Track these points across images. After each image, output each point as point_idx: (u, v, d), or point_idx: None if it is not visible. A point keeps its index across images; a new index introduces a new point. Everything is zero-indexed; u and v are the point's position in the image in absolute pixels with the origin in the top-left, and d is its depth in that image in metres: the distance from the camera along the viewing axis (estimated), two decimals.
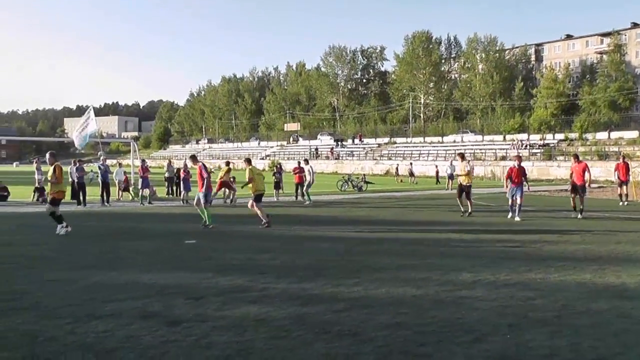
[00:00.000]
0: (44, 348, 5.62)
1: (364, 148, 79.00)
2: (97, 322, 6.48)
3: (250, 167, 16.53)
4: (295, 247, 12.33)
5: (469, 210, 18.47)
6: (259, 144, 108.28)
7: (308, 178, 25.69)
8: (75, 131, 25.59)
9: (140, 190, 24.71)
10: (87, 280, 8.71)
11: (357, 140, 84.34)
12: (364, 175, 41.39)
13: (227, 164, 26.01)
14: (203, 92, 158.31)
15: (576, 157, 18.99)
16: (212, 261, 10.40)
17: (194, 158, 16.50)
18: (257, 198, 16.02)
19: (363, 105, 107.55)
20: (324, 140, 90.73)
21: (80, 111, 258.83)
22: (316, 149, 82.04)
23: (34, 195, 26.16)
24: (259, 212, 15.76)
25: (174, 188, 29.82)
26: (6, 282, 8.64)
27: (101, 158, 25.94)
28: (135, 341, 5.81)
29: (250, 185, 16.18)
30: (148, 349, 5.59)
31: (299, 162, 28.42)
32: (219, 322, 6.49)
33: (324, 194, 31.48)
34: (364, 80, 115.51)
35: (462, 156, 18.86)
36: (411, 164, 53.10)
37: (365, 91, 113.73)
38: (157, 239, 13.57)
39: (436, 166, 49.05)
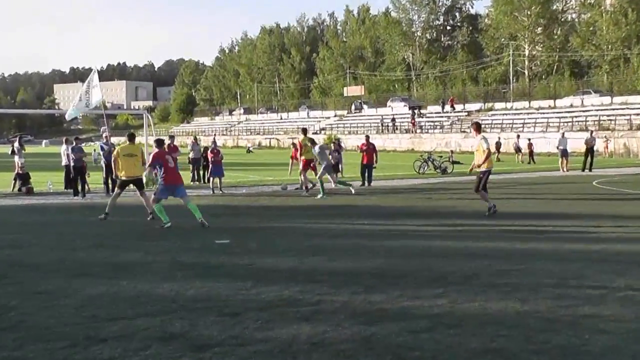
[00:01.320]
0: None
1: (449, 117, 78.15)
2: (101, 346, 6.51)
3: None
4: (359, 246, 12.25)
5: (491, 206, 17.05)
6: (307, 114, 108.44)
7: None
8: (75, 102, 26.00)
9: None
10: (88, 292, 8.80)
11: (447, 107, 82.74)
12: (452, 153, 40.89)
13: (305, 131, 25.84)
14: (237, 48, 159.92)
15: None
16: (251, 266, 10.39)
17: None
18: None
19: (447, 61, 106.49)
20: (396, 108, 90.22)
21: (74, 75, 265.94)
22: (393, 120, 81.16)
23: (14, 184, 26.75)
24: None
25: (201, 173, 30.13)
26: None
27: (104, 135, 26.36)
28: None
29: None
30: None
31: (367, 137, 28.34)
32: (261, 346, 6.44)
33: (397, 178, 31.34)
34: (448, 28, 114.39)
35: (478, 127, 17.67)
36: (518, 136, 52.32)
37: (449, 42, 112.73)
38: (179, 238, 13.70)
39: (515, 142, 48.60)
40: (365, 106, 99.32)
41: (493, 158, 20.34)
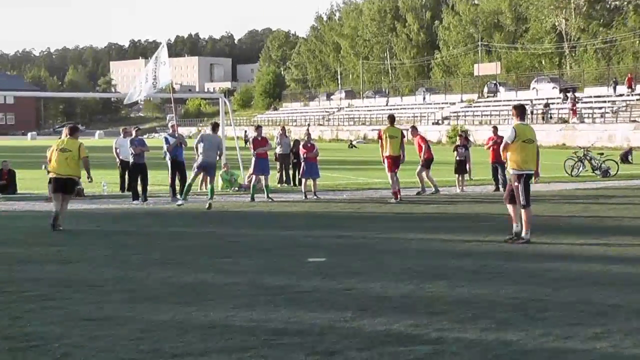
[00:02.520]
0: None
1: (613, 103, 76.39)
2: None
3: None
4: (491, 269, 12.19)
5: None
6: (424, 98, 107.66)
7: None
8: (139, 83, 26.54)
9: (251, 177, 25.27)
10: (148, 320, 9.01)
11: (625, 89, 80.00)
12: (630, 149, 39.63)
13: (392, 119, 25.87)
14: (338, 15, 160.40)
15: None
16: (351, 292, 10.42)
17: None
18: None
19: (613, 28, 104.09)
20: (542, 91, 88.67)
21: (135, 50, 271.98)
22: (546, 105, 79.44)
23: None
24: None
25: (290, 172, 30.34)
26: (15, 321, 9.08)
27: (170, 124, 26.85)
28: None
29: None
30: None
31: (495, 129, 27.97)
32: None
33: (541, 182, 30.79)
34: None
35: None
36: None
37: (617, 2, 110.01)
38: (263, 254, 13.88)
39: None
40: (501, 88, 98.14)
41: None
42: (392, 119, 24.94)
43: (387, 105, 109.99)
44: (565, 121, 74.69)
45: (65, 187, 18.09)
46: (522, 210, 14.88)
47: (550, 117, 77.04)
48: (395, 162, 23.67)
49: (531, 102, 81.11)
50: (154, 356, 7.56)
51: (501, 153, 16.25)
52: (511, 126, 15.50)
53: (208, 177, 22.74)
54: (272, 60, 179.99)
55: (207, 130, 23.75)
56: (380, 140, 24.22)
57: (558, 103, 79.26)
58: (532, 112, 78.72)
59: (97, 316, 9.20)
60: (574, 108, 74.78)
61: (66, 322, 8.94)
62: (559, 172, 34.86)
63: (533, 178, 15.76)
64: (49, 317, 9.20)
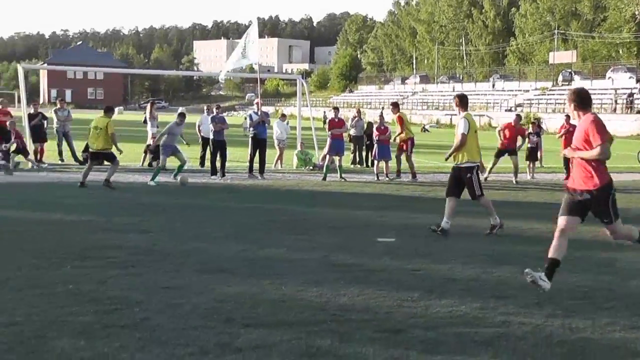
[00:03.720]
0: None
1: None
2: (235, 356, 6.76)
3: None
4: (563, 257, 12.01)
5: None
6: (493, 85, 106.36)
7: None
8: (231, 59, 26.73)
9: (326, 157, 25.34)
10: (222, 291, 9.15)
11: None
12: None
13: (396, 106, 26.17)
14: (415, 0, 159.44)
15: None
16: (418, 274, 10.45)
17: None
18: None
19: None
20: (618, 81, 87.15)
21: (218, 30, 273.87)
22: (630, 95, 77.70)
23: (144, 157, 27.98)
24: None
25: (364, 154, 30.36)
26: (100, 286, 9.33)
27: (255, 102, 26.98)
28: None
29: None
30: None
31: (568, 117, 27.60)
32: None
33: (614, 171, 30.32)
34: None
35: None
36: None
37: None
38: (334, 233, 13.97)
39: None
40: (576, 77, 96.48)
41: None
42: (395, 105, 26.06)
43: (464, 90, 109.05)
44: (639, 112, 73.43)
45: (98, 158, 21.03)
46: (481, 200, 14.61)
47: (631, 108, 75.53)
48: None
49: (615, 91, 79.66)
50: (227, 326, 7.67)
51: (460, 146, 14.76)
52: (461, 117, 14.86)
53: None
54: (349, 44, 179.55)
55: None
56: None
57: (635, 93, 77.81)
58: (615, 102, 77.30)
59: (174, 285, 9.38)
60: (630, 100, 73.64)
61: (146, 288, 9.16)
62: (632, 162, 34.38)
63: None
64: (131, 283, 9.44)
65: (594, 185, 9.23)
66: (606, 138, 9.25)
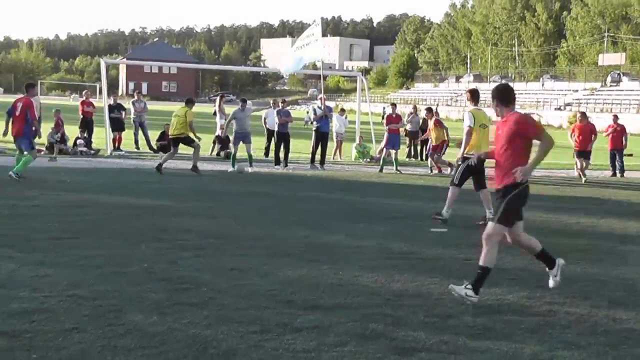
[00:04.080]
0: None
1: None
2: (294, 336, 6.81)
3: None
4: (603, 250, 11.98)
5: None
6: (542, 85, 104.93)
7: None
8: (291, 51, 26.80)
9: (383, 150, 25.30)
10: (284, 274, 9.21)
11: None
12: None
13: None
14: (471, 3, 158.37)
15: None
16: (469, 263, 10.38)
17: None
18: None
19: None
20: None
21: (284, 29, 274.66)
22: None
23: (213, 147, 28.25)
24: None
25: (419, 148, 30.31)
26: (171, 266, 9.44)
27: (319, 97, 27.09)
28: None
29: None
30: None
31: (615, 117, 27.35)
32: (476, 357, 6.48)
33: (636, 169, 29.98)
34: None
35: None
36: None
37: None
38: (389, 222, 13.93)
39: None
40: (625, 78, 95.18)
41: None
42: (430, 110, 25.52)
43: (517, 89, 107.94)
44: None
45: (176, 142, 21.41)
46: (450, 187, 14.32)
47: None
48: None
49: None
50: (288, 306, 7.73)
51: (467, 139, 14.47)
52: (467, 111, 14.92)
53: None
54: (407, 43, 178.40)
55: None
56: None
57: None
58: None
59: (240, 267, 9.46)
60: None
61: (214, 270, 9.26)
62: None
63: None
64: (200, 264, 9.55)
65: (504, 182, 8.48)
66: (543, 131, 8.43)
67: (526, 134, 8.31)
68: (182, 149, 21.60)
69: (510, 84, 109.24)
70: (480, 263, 8.21)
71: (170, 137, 22.07)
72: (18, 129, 18.17)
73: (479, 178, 14.42)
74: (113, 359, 6.02)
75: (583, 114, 25.53)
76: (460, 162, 14.37)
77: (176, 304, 7.63)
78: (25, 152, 18.09)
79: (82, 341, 6.39)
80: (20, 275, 8.57)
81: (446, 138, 23.93)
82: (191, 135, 21.49)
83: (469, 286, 8.05)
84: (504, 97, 8.67)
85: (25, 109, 18.06)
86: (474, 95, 14.89)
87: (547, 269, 8.54)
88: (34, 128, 18.25)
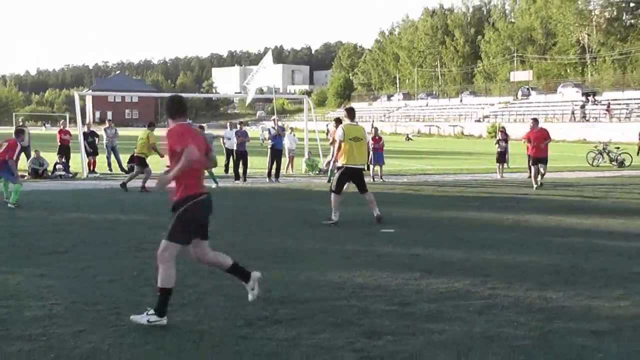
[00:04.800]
0: (211, 354, 6.17)
1: (627, 105, 74.94)
2: (275, 327, 6.94)
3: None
4: (532, 241, 12.23)
5: None
6: (461, 100, 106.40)
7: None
8: (249, 81, 26.99)
9: (330, 163, 25.40)
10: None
11: (638, 93, 77.70)
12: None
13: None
14: (397, 31, 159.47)
15: None
16: (417, 257, 10.59)
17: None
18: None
19: (628, 42, 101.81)
20: (567, 94, 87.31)
21: (232, 59, 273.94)
22: (582, 107, 77.80)
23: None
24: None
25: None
26: (156, 272, 9.29)
27: (272, 118, 27.27)
28: (325, 354, 6.15)
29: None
30: None
31: (535, 121, 27.79)
32: (434, 337, 6.65)
33: (566, 170, 30.59)
34: (632, 5, 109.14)
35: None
36: None
37: (632, 20, 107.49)
38: (344, 226, 14.03)
39: None
40: (533, 92, 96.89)
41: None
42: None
43: (440, 105, 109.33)
44: (586, 120, 73.62)
45: (140, 161, 21.61)
46: (332, 194, 14.36)
47: (585, 117, 75.62)
48: None
49: (591, 99, 79.75)
50: (266, 303, 7.78)
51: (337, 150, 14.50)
52: (340, 127, 14.87)
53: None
54: (343, 67, 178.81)
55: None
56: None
57: (580, 104, 78.07)
58: (572, 112, 77.34)
59: (219, 270, 9.47)
60: (608, 109, 73.51)
61: (196, 274, 9.21)
62: (582, 162, 34.58)
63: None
64: (182, 270, 9.17)
65: (174, 198, 7.33)
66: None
67: (171, 148, 7.33)
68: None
69: (435, 100, 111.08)
70: (159, 284, 7.09)
71: (135, 156, 22.31)
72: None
73: (357, 184, 14.54)
74: (121, 354, 6.10)
75: (535, 120, 23.86)
76: (337, 171, 14.51)
77: (169, 305, 7.67)
78: (10, 183, 17.96)
79: (91, 341, 6.46)
80: (27, 287, 8.57)
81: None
82: (150, 155, 21.97)
83: (152, 312, 6.94)
84: (168, 109, 7.96)
85: (9, 149, 18.04)
86: (350, 113, 14.96)
87: (243, 282, 7.64)
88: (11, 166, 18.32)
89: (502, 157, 27.13)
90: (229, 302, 7.91)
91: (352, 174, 14.40)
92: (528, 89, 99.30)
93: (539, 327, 6.99)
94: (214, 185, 21.54)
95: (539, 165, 22.08)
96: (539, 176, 22.13)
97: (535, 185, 21.73)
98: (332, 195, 14.35)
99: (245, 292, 7.86)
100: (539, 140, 22.22)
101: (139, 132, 24.39)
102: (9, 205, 17.19)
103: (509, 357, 6.14)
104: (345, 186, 14.51)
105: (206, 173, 17.20)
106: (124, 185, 20.97)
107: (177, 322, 7.06)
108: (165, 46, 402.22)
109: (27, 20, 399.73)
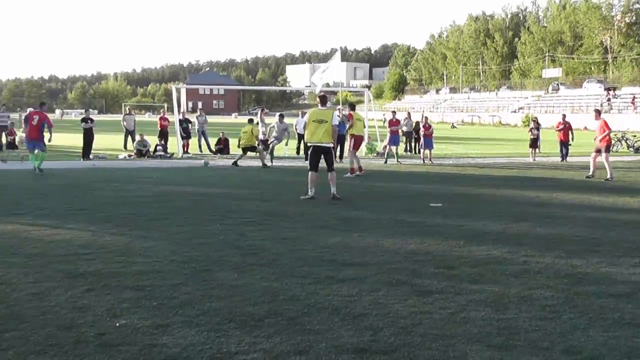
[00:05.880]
0: (286, 306, 6.16)
1: None
2: (339, 285, 6.92)
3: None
4: (560, 215, 11.96)
5: None
6: (496, 94, 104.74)
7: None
8: (317, 75, 26.99)
9: (386, 146, 25.32)
10: (325, 241, 9.28)
11: None
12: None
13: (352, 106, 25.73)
14: (445, 34, 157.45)
15: None
16: (461, 228, 10.47)
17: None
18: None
19: None
20: (591, 89, 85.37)
21: (303, 57, 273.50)
22: (608, 100, 75.80)
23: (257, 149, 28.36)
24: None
25: (413, 144, 30.32)
26: (240, 237, 9.52)
27: (337, 108, 27.23)
28: (382, 309, 6.11)
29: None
30: (398, 318, 5.85)
31: (564, 116, 27.39)
32: (476, 296, 6.57)
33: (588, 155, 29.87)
34: None
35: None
36: None
37: None
38: (399, 200, 14.00)
39: None
40: (562, 87, 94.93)
41: None
42: (352, 106, 21.80)
43: (481, 97, 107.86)
44: (606, 111, 71.67)
45: (246, 150, 22.73)
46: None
47: (611, 109, 73.64)
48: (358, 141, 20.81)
49: (612, 94, 77.76)
50: (331, 264, 7.83)
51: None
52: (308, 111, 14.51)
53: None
54: (398, 65, 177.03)
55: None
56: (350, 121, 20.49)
57: (607, 98, 76.11)
58: (601, 105, 75.33)
59: (291, 237, 9.55)
60: (633, 102, 71.57)
61: (272, 239, 9.33)
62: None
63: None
64: (261, 235, 9.62)
65: None
66: None
67: None
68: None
69: (477, 94, 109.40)
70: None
71: (241, 147, 22.78)
72: (37, 135, 19.20)
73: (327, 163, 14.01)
74: (211, 304, 6.17)
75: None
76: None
77: (249, 265, 7.75)
78: (37, 151, 19.27)
79: (186, 292, 6.56)
80: (134, 247, 8.73)
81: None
82: (255, 143, 22.84)
83: None
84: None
85: (40, 120, 19.23)
86: (322, 100, 14.26)
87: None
88: (49, 134, 19.96)
89: (534, 143, 26.75)
90: (301, 262, 7.92)
91: (312, 150, 13.92)
92: (557, 84, 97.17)
93: (566, 290, 6.86)
94: (269, 164, 21.63)
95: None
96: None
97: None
98: (310, 173, 13.91)
99: (314, 254, 7.88)
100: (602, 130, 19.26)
101: (225, 119, 24.77)
102: (37, 171, 18.59)
103: (540, 314, 6.04)
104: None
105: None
106: (235, 163, 22.42)
107: (257, 280, 7.10)
108: (247, 47, 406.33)
109: (133, 26, 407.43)
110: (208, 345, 5.11)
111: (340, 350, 5.06)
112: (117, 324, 5.62)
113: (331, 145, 13.69)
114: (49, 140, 20.37)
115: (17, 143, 28.86)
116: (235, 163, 22.39)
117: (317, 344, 5.17)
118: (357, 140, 20.49)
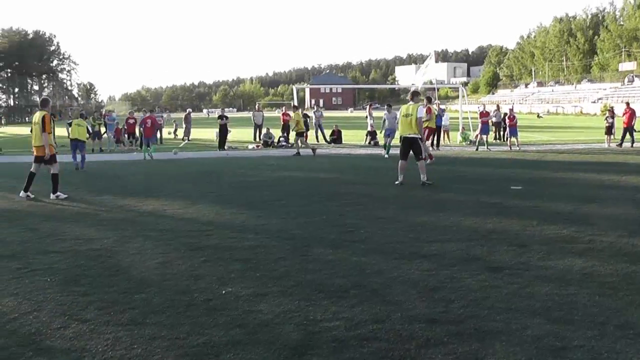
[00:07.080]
0: (371, 279, 5.97)
1: None
2: (421, 260, 6.66)
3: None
4: (626, 197, 11.12)
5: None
6: (575, 87, 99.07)
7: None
8: (419, 73, 26.63)
9: (478, 135, 24.55)
10: (413, 220, 9.01)
11: None
12: None
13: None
14: (533, 35, 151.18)
15: None
16: (536, 209, 9.91)
17: None
18: None
19: None
20: None
21: (410, 59, 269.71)
22: None
23: (366, 138, 28.17)
24: None
25: (501, 133, 29.31)
26: (340, 217, 9.39)
27: (435, 102, 26.58)
28: (456, 283, 5.82)
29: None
30: (469, 292, 5.54)
31: (627, 103, 25.68)
32: (542, 272, 6.15)
33: None
34: None
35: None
36: None
37: None
38: (485, 183, 13.45)
39: None
40: (636, 79, 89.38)
41: None
42: (427, 98, 20.93)
43: (565, 90, 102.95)
44: None
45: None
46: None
47: None
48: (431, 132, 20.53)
49: None
50: (416, 241, 7.59)
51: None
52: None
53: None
54: (492, 64, 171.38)
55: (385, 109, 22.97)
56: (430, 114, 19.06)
57: None
58: None
59: (384, 216, 9.35)
60: None
61: (367, 219, 9.15)
62: None
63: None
64: (358, 215, 9.46)
65: None
66: None
67: None
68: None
69: (561, 87, 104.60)
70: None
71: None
72: (150, 133, 22.36)
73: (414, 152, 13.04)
74: (305, 276, 6.09)
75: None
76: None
77: (344, 241, 7.62)
78: (152, 144, 22.26)
79: (286, 266, 6.50)
80: (248, 225, 8.79)
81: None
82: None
83: None
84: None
85: (153, 122, 22.60)
86: (412, 95, 13.40)
87: None
88: (159, 132, 23.91)
89: (609, 130, 25.19)
90: (389, 239, 7.71)
91: (404, 141, 13.08)
92: (633, 76, 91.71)
93: (625, 267, 6.31)
94: (386, 155, 21.22)
95: None
96: None
97: None
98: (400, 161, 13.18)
99: (402, 232, 7.66)
100: None
101: (341, 113, 24.66)
102: (147, 157, 20.92)
103: (599, 290, 5.58)
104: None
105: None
106: (314, 151, 22.22)
107: (349, 255, 6.94)
108: (361, 51, 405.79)
109: (265, 37, 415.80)
110: (297, 313, 5.02)
111: (413, 319, 4.85)
112: (224, 292, 5.63)
113: (417, 136, 13.03)
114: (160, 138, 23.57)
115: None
116: (314, 151, 22.33)
117: (393, 314, 4.98)
118: (429, 132, 19.98)
